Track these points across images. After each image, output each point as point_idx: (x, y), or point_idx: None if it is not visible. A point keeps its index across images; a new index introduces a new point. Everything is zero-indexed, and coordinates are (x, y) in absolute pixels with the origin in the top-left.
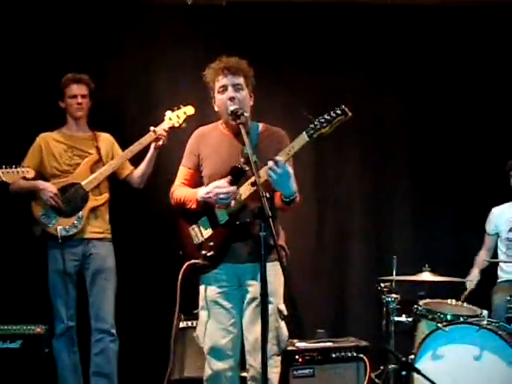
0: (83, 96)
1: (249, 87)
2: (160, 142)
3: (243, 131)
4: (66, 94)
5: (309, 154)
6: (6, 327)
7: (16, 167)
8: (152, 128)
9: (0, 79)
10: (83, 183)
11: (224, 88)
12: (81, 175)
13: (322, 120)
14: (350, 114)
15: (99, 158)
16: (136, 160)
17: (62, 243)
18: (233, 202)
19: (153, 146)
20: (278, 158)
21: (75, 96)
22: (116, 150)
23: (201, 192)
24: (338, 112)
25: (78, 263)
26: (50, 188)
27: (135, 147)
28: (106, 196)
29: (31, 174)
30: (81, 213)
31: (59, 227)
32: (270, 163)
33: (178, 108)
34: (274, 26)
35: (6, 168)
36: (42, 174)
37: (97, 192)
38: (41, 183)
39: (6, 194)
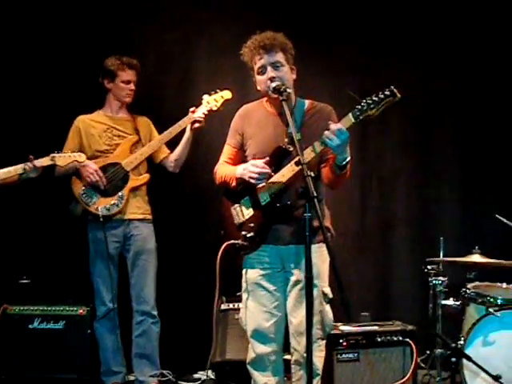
0: (134, 83)
1: (289, 62)
2: (197, 125)
3: (286, 108)
4: (119, 78)
5: (350, 131)
6: (49, 308)
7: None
8: (191, 109)
9: (36, 62)
10: (123, 163)
11: (263, 69)
12: (120, 155)
13: (370, 101)
14: (398, 95)
15: (139, 138)
16: (173, 145)
17: (104, 223)
18: (261, 184)
19: (189, 128)
20: (338, 126)
21: (129, 82)
22: (154, 133)
23: (239, 169)
24: (387, 93)
25: (119, 245)
26: (91, 165)
27: (174, 129)
28: (146, 176)
29: (83, 158)
30: (121, 192)
31: (100, 206)
32: (327, 133)
33: (216, 92)
34: (320, 4)
35: (58, 153)
36: None
37: (136, 172)
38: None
39: (47, 176)
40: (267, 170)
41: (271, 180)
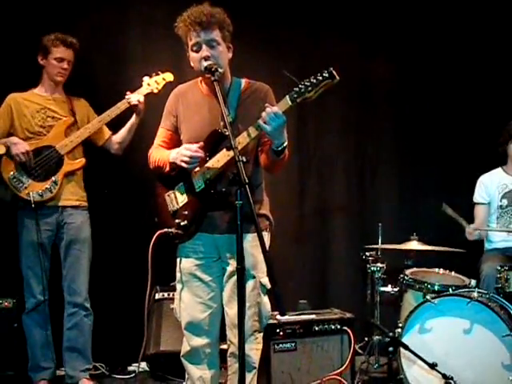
0: (69, 62)
1: (226, 40)
2: (138, 109)
3: (217, 89)
4: (52, 54)
5: (288, 118)
6: None
7: None
8: (127, 95)
9: None
10: (57, 146)
11: (198, 46)
12: (55, 138)
13: (308, 83)
14: (337, 77)
15: (74, 121)
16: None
17: (36, 210)
18: (197, 169)
19: (135, 113)
20: (274, 109)
21: (63, 60)
22: (92, 116)
23: (172, 153)
24: (325, 75)
25: (51, 233)
26: (22, 144)
27: (112, 112)
28: (82, 160)
29: (2, 150)
30: (55, 177)
31: (32, 192)
32: (263, 116)
33: (157, 74)
34: None
35: None
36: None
37: (71, 156)
38: (14, 138)
39: None
40: (200, 153)
41: (206, 165)
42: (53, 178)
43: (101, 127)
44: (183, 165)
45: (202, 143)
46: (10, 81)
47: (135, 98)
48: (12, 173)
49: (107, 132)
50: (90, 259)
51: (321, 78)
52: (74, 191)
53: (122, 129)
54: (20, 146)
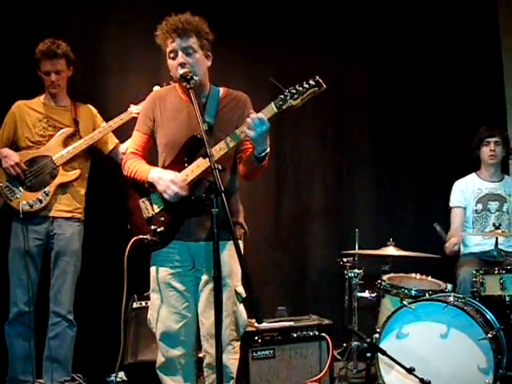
0: (58, 72)
1: (204, 48)
2: None
3: (193, 96)
4: (41, 68)
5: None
6: None
7: None
8: (130, 107)
9: None
10: (54, 157)
11: (174, 53)
12: (53, 148)
13: (294, 91)
14: (324, 86)
15: (75, 131)
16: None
17: (24, 219)
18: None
19: None
20: (259, 115)
21: (49, 73)
22: (98, 124)
23: (153, 174)
24: (312, 83)
25: (41, 242)
26: (12, 156)
27: (114, 123)
28: (76, 172)
29: None
30: (47, 188)
31: (22, 202)
32: (248, 121)
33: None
34: None
35: None
36: (16, 146)
37: (68, 167)
38: (4, 150)
39: None
40: (185, 192)
41: (185, 171)
42: (45, 189)
43: (107, 136)
44: (164, 195)
45: (187, 187)
46: (19, 87)
47: (137, 110)
48: (5, 182)
49: (113, 141)
50: (78, 272)
51: (307, 85)
52: (69, 203)
53: (128, 140)
54: (9, 159)
